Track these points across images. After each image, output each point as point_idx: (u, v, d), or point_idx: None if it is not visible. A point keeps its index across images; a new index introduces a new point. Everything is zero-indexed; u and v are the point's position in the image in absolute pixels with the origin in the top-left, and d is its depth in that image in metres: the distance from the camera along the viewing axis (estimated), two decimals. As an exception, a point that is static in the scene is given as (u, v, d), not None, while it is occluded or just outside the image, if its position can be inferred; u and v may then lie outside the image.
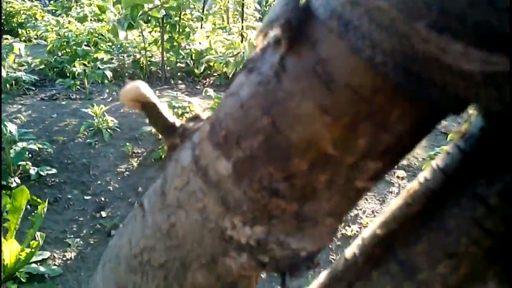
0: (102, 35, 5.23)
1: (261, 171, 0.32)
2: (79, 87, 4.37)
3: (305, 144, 0.31)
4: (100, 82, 4.47)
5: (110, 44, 5.17)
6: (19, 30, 6.57)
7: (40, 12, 7.11)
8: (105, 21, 5.08)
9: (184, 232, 0.37)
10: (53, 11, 7.09)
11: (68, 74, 4.43)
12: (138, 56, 4.97)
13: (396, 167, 0.34)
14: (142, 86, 0.37)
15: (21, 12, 6.90)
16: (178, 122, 0.39)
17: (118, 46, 5.03)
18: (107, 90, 4.45)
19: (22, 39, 5.98)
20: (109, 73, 4.34)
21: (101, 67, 4.50)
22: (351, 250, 0.41)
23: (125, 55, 5.05)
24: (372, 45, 0.27)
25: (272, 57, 0.32)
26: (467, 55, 0.24)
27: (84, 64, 4.40)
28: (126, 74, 4.95)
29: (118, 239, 0.45)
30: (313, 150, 0.31)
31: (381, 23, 0.26)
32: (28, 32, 6.60)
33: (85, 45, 4.86)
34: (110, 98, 4.28)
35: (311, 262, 0.37)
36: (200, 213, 0.36)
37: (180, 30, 4.75)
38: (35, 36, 6.17)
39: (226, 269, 0.38)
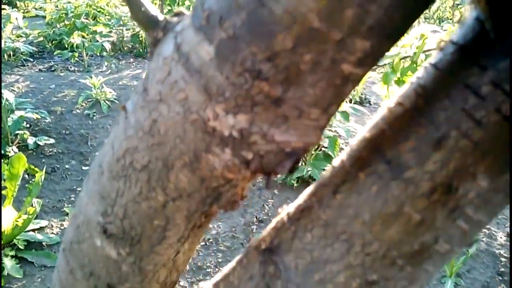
0: (101, 8, 5.17)
1: (244, 52, 0.31)
2: (77, 59, 4.33)
3: (290, 17, 0.29)
4: (98, 54, 4.43)
5: (109, 17, 5.11)
6: (17, 2, 6.48)
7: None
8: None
9: (166, 128, 0.36)
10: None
11: (66, 46, 4.39)
12: (137, 29, 4.92)
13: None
14: (122, -26, 0.35)
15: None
16: (161, 16, 0.37)
17: (117, 19, 4.97)
18: (105, 63, 4.41)
19: (21, 11, 5.90)
20: (108, 46, 4.30)
21: (99, 40, 4.45)
22: (339, 158, 0.40)
23: (124, 28, 5.00)
24: None
25: None
26: None
27: (83, 36, 4.36)
28: (125, 47, 4.90)
29: (101, 150, 0.44)
30: (298, 23, 0.29)
31: None
32: (26, 4, 6.52)
33: (84, 18, 4.80)
34: (109, 71, 4.24)
35: (297, 160, 0.35)
36: (182, 105, 0.34)
37: (180, 2, 4.69)
38: (34, 8, 6.09)
39: (210, 169, 0.36)
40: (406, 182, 0.34)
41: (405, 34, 0.32)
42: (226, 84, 0.32)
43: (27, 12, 5.96)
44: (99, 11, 5.11)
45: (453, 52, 0.34)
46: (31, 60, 4.47)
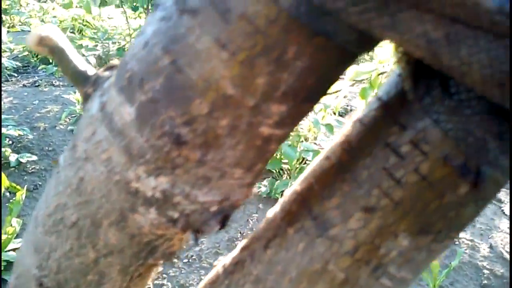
0: (87, 21, 5.16)
1: (163, 115, 0.31)
2: (62, 74, 4.30)
3: (205, 83, 0.29)
4: (83, 69, 4.41)
5: (95, 31, 5.10)
6: (3, 16, 6.45)
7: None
8: (79, 5, 5.02)
9: (92, 187, 0.35)
10: (40, -3, 6.97)
11: (51, 61, 4.37)
12: (123, 43, 4.92)
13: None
14: (50, 30, 0.35)
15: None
16: (92, 70, 0.37)
17: (103, 32, 4.97)
18: (91, 77, 4.39)
19: (6, 26, 5.88)
20: (92, 60, 4.28)
21: (85, 54, 4.44)
22: (274, 209, 0.40)
23: (110, 42, 4.99)
24: (262, -31, 0.25)
25: None
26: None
27: (68, 51, 4.34)
28: (111, 61, 4.89)
29: (39, 201, 0.43)
30: (212, 89, 0.29)
31: None
32: (12, 18, 6.50)
33: (70, 32, 4.79)
34: (94, 85, 4.22)
35: (224, 218, 0.35)
36: (106, 165, 0.34)
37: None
38: (20, 23, 6.08)
39: (138, 227, 0.36)
40: (330, 240, 0.34)
41: (324, 96, 0.32)
42: (146, 146, 0.32)
43: (12, 26, 5.93)
44: (85, 25, 5.10)
45: (376, 108, 0.34)
46: (15, 75, 4.44)
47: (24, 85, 4.22)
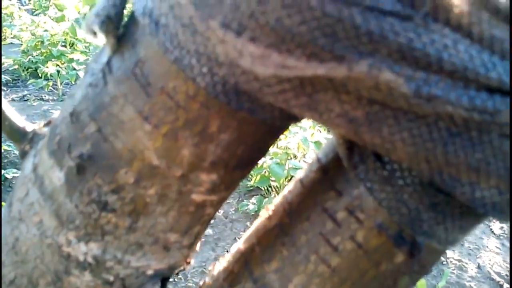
0: (75, 35, 5.16)
1: (90, 182, 0.30)
2: (51, 88, 4.29)
3: (130, 153, 0.28)
4: (74, 83, 4.41)
5: (86, 44, 5.10)
6: (-5, 29, 6.45)
7: (18, 10, 6.99)
8: (67, 20, 5.04)
9: (27, 247, 0.34)
10: (32, 10, 6.99)
11: (40, 75, 4.36)
12: (114, 57, 4.91)
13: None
14: (-17, 88, 0.34)
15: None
16: (30, 127, 0.36)
17: (95, 46, 4.97)
18: (81, 92, 4.37)
19: (-3, 38, 5.87)
20: (82, 74, 4.28)
21: (76, 68, 4.44)
22: (218, 267, 0.39)
23: (101, 56, 4.97)
24: (179, 45, 0.24)
25: (104, 57, 0.29)
26: (264, 59, 0.22)
27: (58, 65, 4.34)
28: (102, 75, 4.88)
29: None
30: (138, 160, 0.28)
31: (183, 21, 0.24)
32: (4, 31, 6.49)
33: (62, 45, 4.79)
34: (84, 100, 4.21)
35: (163, 280, 0.34)
36: (38, 227, 0.33)
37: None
38: (11, 35, 6.07)
39: None
40: (269, 305, 0.33)
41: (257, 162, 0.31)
42: (75, 212, 0.31)
43: (3, 39, 5.92)
44: (76, 39, 5.10)
45: (316, 170, 0.34)
46: (5, 89, 4.42)
47: (12, 99, 4.20)
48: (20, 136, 0.36)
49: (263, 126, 0.28)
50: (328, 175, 0.32)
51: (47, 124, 0.36)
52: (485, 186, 0.27)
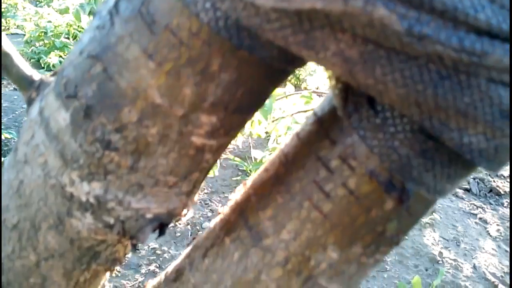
0: (82, 27, 5.17)
1: (94, 121, 0.31)
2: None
3: (134, 92, 0.29)
4: (76, 74, 4.41)
5: (89, 37, 5.09)
6: (-1, 19, 6.44)
7: (22, 1, 7.00)
8: (71, 9, 5.05)
9: (31, 189, 0.36)
10: (36, 2, 7.00)
11: (42, 65, 4.37)
12: (117, 50, 4.92)
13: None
14: (-6, 35, 0.36)
15: (2, 1, 6.77)
16: (37, 76, 0.38)
17: (98, 39, 4.96)
18: (83, 83, 4.39)
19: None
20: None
21: (79, 59, 4.44)
22: (213, 221, 0.40)
23: (104, 49, 4.98)
24: (183, -18, 0.26)
25: (111, 1, 0.31)
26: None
27: (60, 56, 4.35)
28: (104, 68, 4.89)
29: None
30: (141, 98, 0.30)
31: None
32: (7, 21, 6.50)
33: (65, 37, 4.79)
34: (86, 91, 4.22)
35: (162, 226, 0.36)
36: (43, 169, 0.34)
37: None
38: (14, 26, 6.08)
39: (76, 231, 0.36)
40: (264, 250, 0.34)
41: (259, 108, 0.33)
42: (79, 151, 0.32)
43: (7, 29, 5.93)
44: (79, 31, 5.11)
45: (312, 123, 0.35)
46: (6, 78, 4.43)
47: (14, 89, 4.20)
48: (27, 83, 0.37)
49: (263, 68, 0.29)
50: (323, 126, 0.34)
51: (54, 74, 0.38)
52: (473, 132, 0.28)
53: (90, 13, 4.11)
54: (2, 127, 3.15)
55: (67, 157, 0.32)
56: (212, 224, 0.40)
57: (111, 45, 0.29)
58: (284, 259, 0.33)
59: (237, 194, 0.39)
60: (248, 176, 2.39)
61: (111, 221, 0.34)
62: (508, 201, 2.70)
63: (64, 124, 0.32)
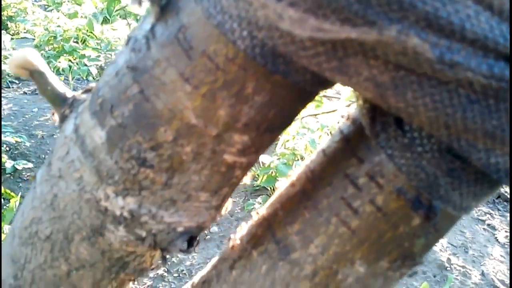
0: (91, 32, 5.21)
1: (131, 140, 0.32)
2: (63, 83, 4.34)
3: (170, 113, 0.31)
4: (85, 78, 4.46)
5: (99, 41, 5.15)
6: (8, 23, 6.52)
7: (31, 6, 7.06)
8: (83, 15, 5.09)
9: (65, 203, 0.37)
10: (45, 6, 7.06)
11: (53, 70, 4.41)
12: (125, 54, 4.95)
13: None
14: (30, 54, 0.37)
15: (11, 5, 6.85)
16: (70, 93, 0.39)
17: (106, 43, 5.02)
18: (91, 87, 4.43)
19: (10, 33, 5.94)
20: (94, 70, 4.33)
21: (87, 64, 4.49)
22: (239, 233, 0.41)
23: (112, 53, 5.04)
24: (222, 11, 0.27)
25: (147, 25, 0.32)
26: (302, 22, 0.24)
27: (70, 60, 4.39)
28: (113, 72, 4.92)
29: (16, 213, 0.45)
30: (177, 119, 0.31)
31: (228, -12, 0.26)
32: (17, 26, 6.56)
33: (74, 42, 4.84)
34: (94, 95, 4.25)
35: (191, 238, 0.37)
36: (78, 183, 0.35)
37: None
38: (24, 30, 6.13)
39: (108, 243, 0.37)
40: (291, 264, 0.35)
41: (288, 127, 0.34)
42: (115, 168, 0.33)
43: (16, 34, 5.99)
44: (88, 35, 5.15)
45: (338, 140, 0.36)
46: (17, 82, 4.47)
47: (24, 92, 4.25)
48: (60, 101, 0.38)
49: (294, 91, 0.30)
50: (350, 144, 0.35)
51: (86, 91, 0.39)
52: (500, 152, 0.29)
53: (103, 22, 4.15)
54: (11, 130, 3.18)
55: (103, 173, 0.34)
56: (238, 236, 0.41)
57: (148, 68, 0.31)
58: (311, 272, 0.34)
59: (263, 210, 0.40)
60: (256, 180, 2.40)
61: (143, 234, 0.35)
62: (517, 207, 2.69)
63: (100, 142, 0.33)
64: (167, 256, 0.37)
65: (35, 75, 0.37)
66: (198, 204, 0.35)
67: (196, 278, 0.43)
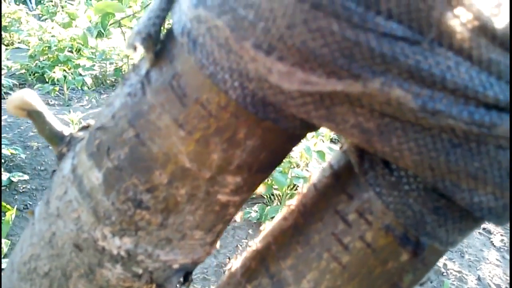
0: (86, 44, 5.21)
1: (127, 182, 0.33)
2: (58, 93, 4.34)
3: (165, 157, 0.32)
4: (80, 88, 4.46)
5: (93, 50, 5.16)
6: (2, 33, 6.51)
7: (25, 16, 7.06)
8: (77, 26, 5.10)
9: (63, 241, 0.38)
10: (40, 16, 7.07)
11: (47, 80, 4.41)
12: (120, 63, 4.97)
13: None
14: (27, 94, 0.38)
15: (6, 15, 6.85)
16: (67, 131, 0.40)
17: (101, 53, 5.02)
18: (86, 97, 4.43)
19: (4, 43, 5.94)
20: (89, 80, 4.33)
21: (82, 73, 4.49)
22: (235, 264, 0.42)
23: (107, 62, 5.05)
24: (214, 62, 0.28)
25: (142, 70, 0.33)
26: (290, 75, 0.25)
27: (65, 70, 4.39)
28: (108, 81, 4.94)
29: (15, 248, 0.45)
30: (172, 162, 0.32)
31: (219, 41, 0.27)
32: (11, 36, 6.56)
33: (68, 51, 4.84)
34: (89, 105, 4.26)
35: (187, 275, 0.37)
36: (75, 223, 0.36)
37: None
38: (18, 40, 6.14)
39: (105, 280, 0.38)
40: (285, 299, 0.36)
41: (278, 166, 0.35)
42: (112, 209, 0.34)
43: (11, 44, 5.99)
44: (83, 44, 5.15)
45: (328, 175, 0.37)
46: (11, 93, 4.47)
47: (19, 104, 4.25)
48: (58, 139, 0.39)
49: (284, 134, 0.31)
50: (340, 180, 0.36)
51: (83, 128, 0.40)
52: (483, 192, 0.30)
53: (97, 36, 4.16)
54: (6, 142, 3.18)
55: (100, 214, 0.35)
56: (232, 269, 0.41)
57: (143, 112, 0.32)
58: (304, 306, 0.35)
59: (256, 242, 0.41)
60: (252, 190, 2.40)
61: (140, 271, 0.36)
62: (512, 212, 2.69)
63: (97, 183, 0.34)
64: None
65: (33, 115, 0.38)
66: (193, 242, 0.35)
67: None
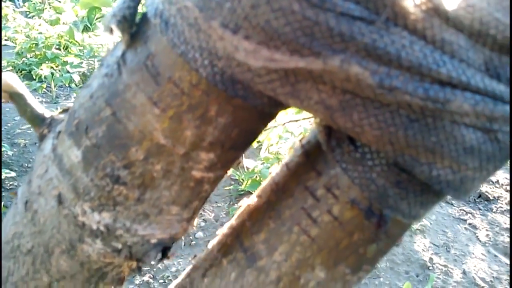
0: (73, 39, 5.17)
1: (105, 159, 0.35)
2: (45, 90, 4.31)
3: (141, 134, 0.33)
4: (67, 85, 4.43)
5: (81, 47, 5.12)
6: (-11, 31, 6.43)
7: (12, 13, 6.99)
8: (65, 22, 5.07)
9: (45, 218, 0.39)
10: (27, 13, 7.00)
11: (34, 77, 4.38)
12: (108, 61, 4.93)
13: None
14: (9, 77, 0.39)
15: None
16: (48, 113, 0.41)
17: (89, 50, 4.99)
18: (74, 94, 4.41)
19: (-9, 40, 5.87)
20: (76, 77, 4.31)
21: (70, 71, 4.46)
22: (211, 242, 0.44)
23: (95, 59, 5.02)
24: (185, 41, 0.29)
25: (118, 52, 0.34)
26: (256, 53, 0.27)
27: (52, 67, 4.36)
28: (96, 79, 4.90)
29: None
30: (147, 139, 0.33)
31: (189, 21, 0.29)
32: (-2, 33, 6.48)
33: (56, 48, 4.81)
34: (78, 102, 4.23)
35: (165, 249, 0.39)
36: (56, 200, 0.38)
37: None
38: (5, 37, 6.07)
39: (86, 255, 0.39)
40: (258, 270, 0.38)
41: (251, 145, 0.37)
42: (91, 185, 0.36)
43: (-3, 41, 5.92)
44: (71, 42, 5.12)
45: (300, 154, 0.39)
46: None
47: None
48: (39, 121, 0.40)
49: (255, 112, 0.33)
50: (310, 158, 0.38)
51: (63, 111, 0.41)
52: (440, 166, 0.32)
53: (84, 30, 4.15)
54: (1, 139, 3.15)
55: (79, 190, 0.36)
56: (210, 246, 0.43)
57: (119, 92, 0.33)
58: (276, 278, 0.37)
59: (232, 220, 0.42)
60: (240, 185, 2.42)
61: (119, 246, 0.38)
62: (497, 206, 2.75)
63: (76, 161, 0.36)
64: (143, 267, 0.40)
65: (15, 97, 0.39)
66: (170, 217, 0.37)
67: (171, 286, 0.46)
